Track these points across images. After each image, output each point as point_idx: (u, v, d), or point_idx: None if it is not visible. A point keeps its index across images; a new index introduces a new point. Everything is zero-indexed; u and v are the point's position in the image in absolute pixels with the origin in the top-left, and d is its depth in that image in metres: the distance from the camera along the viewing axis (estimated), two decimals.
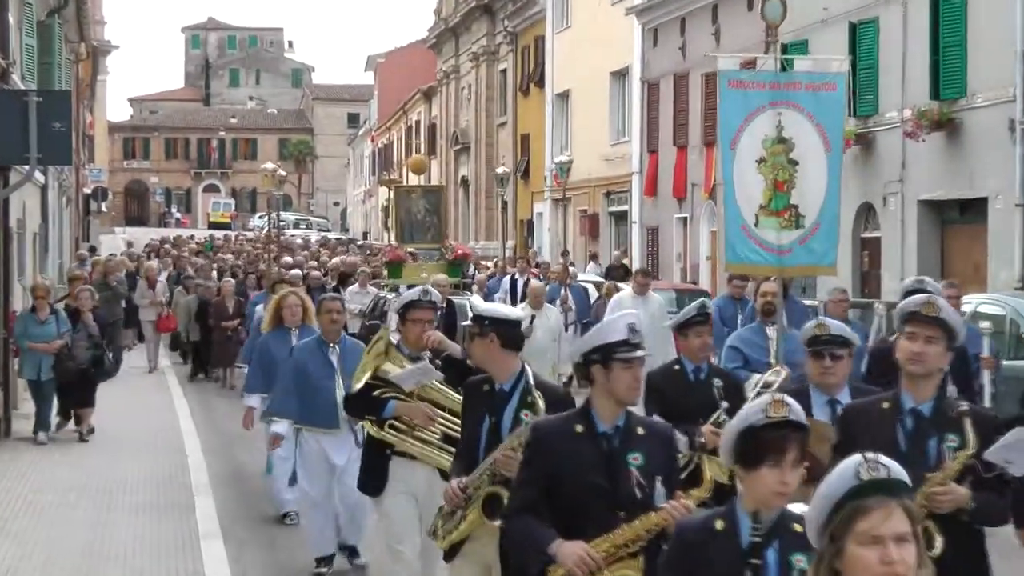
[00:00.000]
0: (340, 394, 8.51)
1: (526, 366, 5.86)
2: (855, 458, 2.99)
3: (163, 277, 24.86)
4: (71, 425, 15.11)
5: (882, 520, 2.88)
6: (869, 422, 5.03)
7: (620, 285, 18.89)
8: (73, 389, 14.72)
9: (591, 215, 36.60)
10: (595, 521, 4.61)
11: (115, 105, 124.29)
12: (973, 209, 19.97)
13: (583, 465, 4.63)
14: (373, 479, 7.22)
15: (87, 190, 48.18)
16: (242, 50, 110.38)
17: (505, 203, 28.48)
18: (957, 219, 20.61)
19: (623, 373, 4.64)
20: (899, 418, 5.00)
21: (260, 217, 75.96)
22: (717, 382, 6.95)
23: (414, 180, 47.31)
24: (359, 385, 7.06)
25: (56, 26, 23.74)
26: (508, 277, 23.13)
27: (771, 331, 9.07)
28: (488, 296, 20.39)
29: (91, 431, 14.92)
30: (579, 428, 4.69)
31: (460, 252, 20.30)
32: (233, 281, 21.92)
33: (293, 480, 9.51)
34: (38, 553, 9.70)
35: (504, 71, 47.34)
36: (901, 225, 21.26)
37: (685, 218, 30.60)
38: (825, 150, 8.91)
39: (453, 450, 6.42)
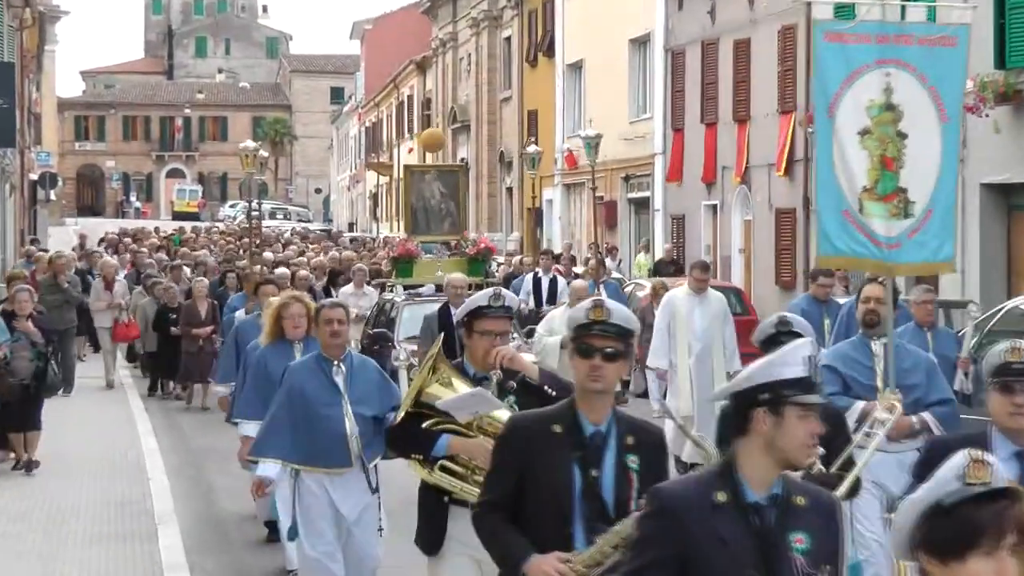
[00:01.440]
0: (349, 425, 7.93)
1: None
2: None
3: (122, 276, 24.62)
4: (12, 454, 14.50)
5: None
6: None
7: (668, 283, 18.73)
8: (14, 410, 14.08)
9: (608, 202, 36.59)
10: None
11: (65, 79, 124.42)
12: None
13: (729, 550, 3.94)
14: (428, 532, 6.38)
15: (33, 176, 48.23)
16: (210, 16, 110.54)
17: (517, 189, 28.33)
18: None
19: (799, 424, 3.98)
20: None
21: (231, 206, 76.15)
22: None
23: (409, 160, 47.25)
24: (402, 413, 6.34)
25: None
26: (531, 275, 22.97)
27: (876, 346, 8.30)
28: None
29: (35, 464, 14.26)
30: (721, 497, 3.99)
31: (483, 245, 19.50)
32: (206, 281, 21.33)
33: (293, 532, 8.35)
34: None
35: (508, 39, 47.34)
36: (962, 211, 21.09)
37: (715, 205, 30.58)
38: (940, 120, 8.33)
39: None
